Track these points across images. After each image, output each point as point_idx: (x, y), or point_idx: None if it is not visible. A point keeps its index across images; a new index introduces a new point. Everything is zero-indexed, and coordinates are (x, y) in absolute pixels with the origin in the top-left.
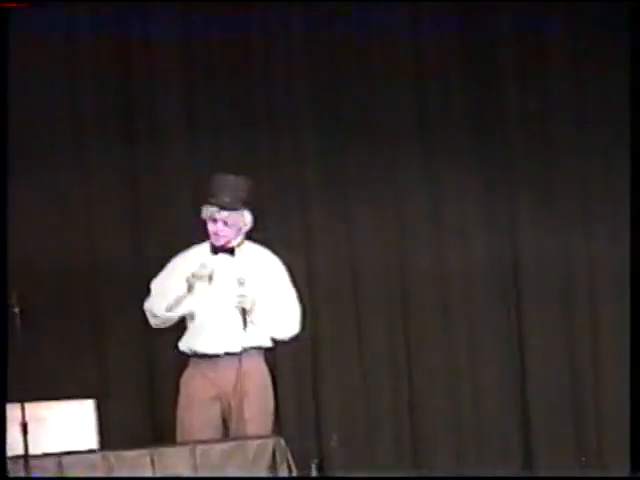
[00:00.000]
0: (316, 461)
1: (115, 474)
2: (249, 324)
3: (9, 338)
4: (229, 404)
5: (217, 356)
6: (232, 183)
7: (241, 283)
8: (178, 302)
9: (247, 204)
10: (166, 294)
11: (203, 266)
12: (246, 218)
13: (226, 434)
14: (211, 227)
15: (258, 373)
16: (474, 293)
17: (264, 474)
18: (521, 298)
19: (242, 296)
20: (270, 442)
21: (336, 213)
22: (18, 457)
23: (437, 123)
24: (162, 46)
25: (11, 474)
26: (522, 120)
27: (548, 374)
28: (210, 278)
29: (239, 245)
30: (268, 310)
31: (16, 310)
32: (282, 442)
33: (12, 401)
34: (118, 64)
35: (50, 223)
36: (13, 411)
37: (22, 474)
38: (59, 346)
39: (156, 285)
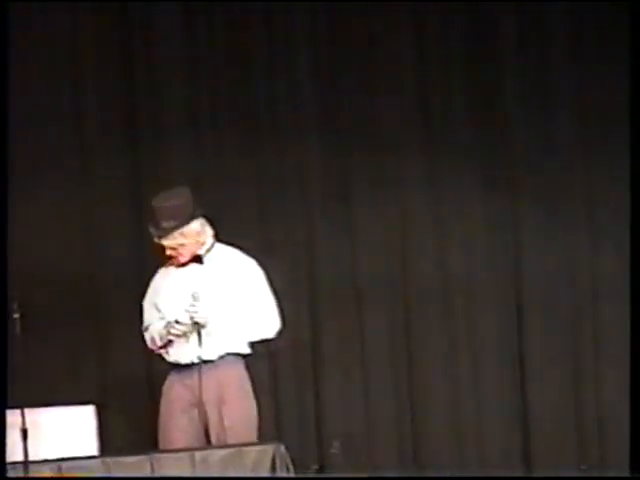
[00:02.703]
0: (316, 467)
1: None
2: (206, 338)
3: (9, 343)
4: (206, 412)
5: (194, 364)
6: (167, 205)
7: (195, 298)
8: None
9: (192, 217)
10: (152, 335)
11: (177, 323)
12: (197, 229)
13: (208, 442)
14: (167, 251)
15: (236, 380)
16: (476, 298)
17: None
18: (523, 304)
19: (195, 311)
20: (270, 448)
21: (338, 218)
22: (18, 463)
23: (440, 128)
24: (165, 48)
25: None
26: (526, 126)
27: (549, 377)
28: (185, 334)
29: (208, 251)
30: (233, 319)
31: (16, 316)
32: (282, 448)
33: (12, 407)
34: (121, 66)
35: (51, 228)
36: (13, 417)
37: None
38: (59, 352)
39: (145, 320)
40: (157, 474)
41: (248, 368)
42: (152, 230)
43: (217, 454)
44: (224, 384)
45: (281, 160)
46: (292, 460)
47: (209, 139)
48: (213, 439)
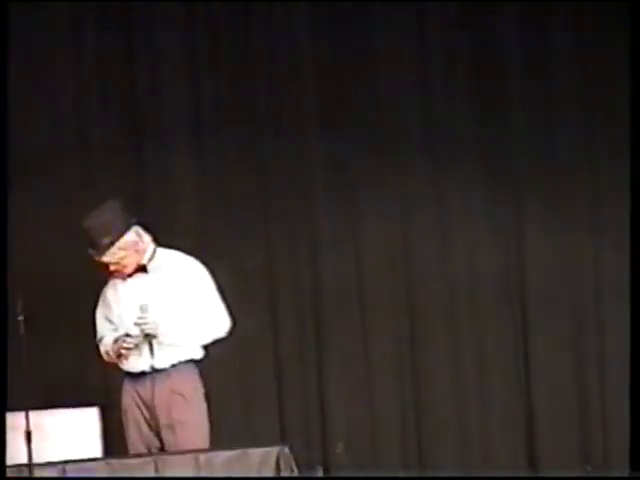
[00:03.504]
0: (321, 469)
1: None
2: (158, 347)
3: (13, 345)
4: (157, 416)
5: (144, 373)
6: (98, 223)
7: (143, 309)
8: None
9: (125, 229)
10: (106, 349)
11: (127, 336)
12: (134, 238)
13: (162, 448)
14: (111, 267)
15: (189, 386)
16: (480, 299)
17: None
18: (527, 304)
19: (144, 323)
20: (274, 450)
21: (342, 220)
22: (22, 466)
23: (443, 129)
24: (166, 47)
25: None
26: (528, 130)
27: (553, 377)
28: (136, 346)
29: (151, 259)
30: (183, 325)
31: (21, 317)
32: (286, 450)
33: (16, 409)
34: (123, 66)
35: (54, 229)
36: (17, 419)
37: None
38: (63, 353)
39: (98, 332)
40: (161, 475)
41: (200, 373)
42: (90, 251)
43: (221, 456)
44: (176, 391)
45: (284, 167)
46: (296, 461)
47: (212, 141)
48: (164, 440)
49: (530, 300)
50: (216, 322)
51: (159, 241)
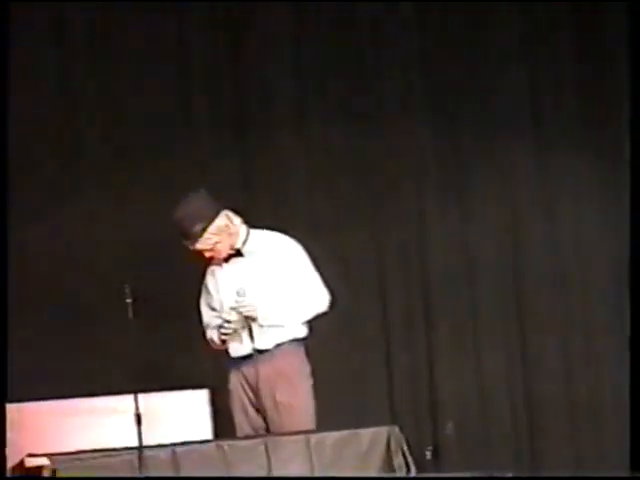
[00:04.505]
0: (431, 448)
1: (229, 464)
2: (258, 330)
3: (122, 328)
4: (262, 397)
5: (249, 356)
6: (187, 213)
7: (240, 294)
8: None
9: (214, 214)
10: (211, 336)
11: (227, 322)
12: (224, 222)
13: (267, 430)
14: (206, 254)
15: (293, 366)
16: (591, 283)
17: (379, 463)
18: None
19: (242, 307)
20: (385, 430)
21: (450, 202)
22: (132, 448)
23: (550, 113)
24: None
25: (126, 465)
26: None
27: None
28: (236, 331)
29: (245, 241)
30: (282, 305)
31: (129, 301)
32: (397, 430)
33: (126, 392)
34: (229, 52)
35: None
36: (126, 402)
37: (136, 466)
38: (173, 336)
39: (203, 320)
40: (272, 457)
41: (307, 351)
42: (184, 242)
43: (332, 437)
44: (280, 371)
45: (393, 149)
46: (407, 441)
47: (316, 120)
48: (270, 422)
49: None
50: (315, 297)
51: (267, 222)
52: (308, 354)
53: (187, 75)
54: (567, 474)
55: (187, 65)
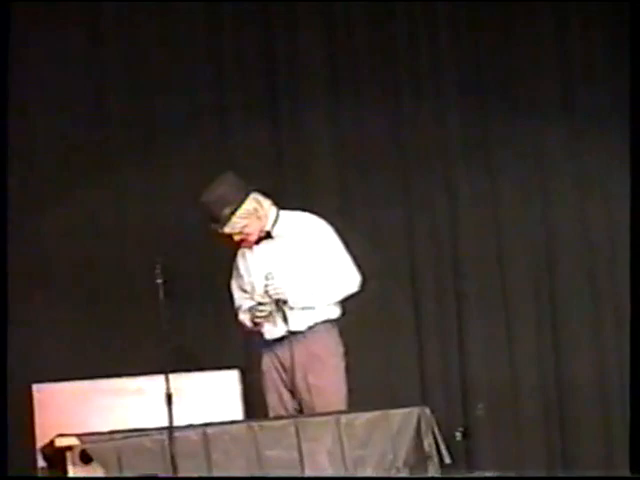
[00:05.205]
0: (461, 429)
1: (259, 444)
2: (290, 313)
3: (152, 309)
4: (294, 378)
5: (283, 338)
6: (215, 197)
7: (269, 277)
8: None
9: (244, 196)
10: (242, 319)
11: (259, 304)
12: (253, 205)
13: (300, 411)
14: (235, 237)
15: (326, 347)
16: (621, 267)
17: (409, 444)
18: None
19: (272, 290)
20: (415, 411)
21: (481, 183)
22: (163, 428)
23: (582, 96)
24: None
25: (156, 446)
26: None
27: None
28: (269, 314)
29: (274, 223)
30: (313, 286)
31: (159, 281)
32: (427, 411)
33: (156, 372)
34: (260, 30)
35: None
36: (157, 382)
37: (166, 445)
38: (203, 317)
39: (235, 302)
40: (302, 438)
41: (341, 331)
42: (212, 226)
43: (363, 417)
44: (313, 353)
45: (421, 125)
46: (437, 423)
47: (348, 99)
48: (303, 403)
49: None
50: (345, 278)
51: (298, 201)
52: (341, 335)
53: (218, 57)
54: (596, 458)
55: (218, 48)
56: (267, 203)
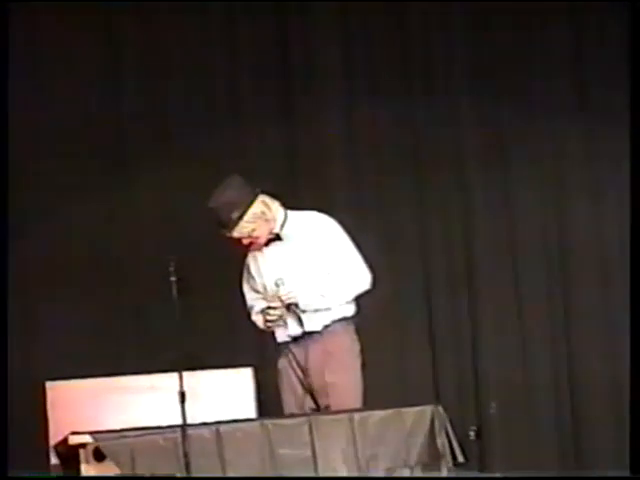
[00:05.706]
0: (474, 428)
1: (273, 442)
2: (304, 315)
3: (166, 306)
4: (311, 377)
5: (299, 337)
6: (222, 201)
7: (278, 284)
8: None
9: (251, 201)
10: (255, 320)
11: (269, 309)
12: (261, 209)
13: (317, 410)
14: (244, 241)
15: (342, 345)
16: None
17: (422, 442)
18: None
19: (283, 294)
20: (429, 409)
21: (494, 182)
22: (176, 426)
23: (597, 96)
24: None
25: (169, 444)
26: None
27: None
28: (281, 317)
29: (283, 225)
30: (325, 287)
31: (173, 279)
32: (441, 409)
33: (170, 370)
34: (275, 30)
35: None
36: (170, 380)
37: (179, 443)
38: (216, 315)
39: (247, 303)
40: (315, 436)
41: (357, 329)
42: (221, 231)
43: (376, 415)
44: (329, 351)
45: (434, 123)
46: (450, 421)
47: (362, 99)
48: (319, 402)
49: None
50: (355, 276)
51: (312, 201)
52: (357, 332)
53: (233, 57)
54: (609, 457)
55: (233, 48)
56: (275, 205)
